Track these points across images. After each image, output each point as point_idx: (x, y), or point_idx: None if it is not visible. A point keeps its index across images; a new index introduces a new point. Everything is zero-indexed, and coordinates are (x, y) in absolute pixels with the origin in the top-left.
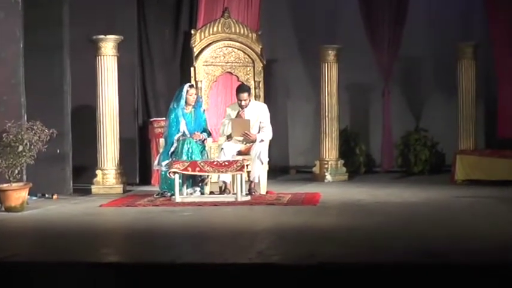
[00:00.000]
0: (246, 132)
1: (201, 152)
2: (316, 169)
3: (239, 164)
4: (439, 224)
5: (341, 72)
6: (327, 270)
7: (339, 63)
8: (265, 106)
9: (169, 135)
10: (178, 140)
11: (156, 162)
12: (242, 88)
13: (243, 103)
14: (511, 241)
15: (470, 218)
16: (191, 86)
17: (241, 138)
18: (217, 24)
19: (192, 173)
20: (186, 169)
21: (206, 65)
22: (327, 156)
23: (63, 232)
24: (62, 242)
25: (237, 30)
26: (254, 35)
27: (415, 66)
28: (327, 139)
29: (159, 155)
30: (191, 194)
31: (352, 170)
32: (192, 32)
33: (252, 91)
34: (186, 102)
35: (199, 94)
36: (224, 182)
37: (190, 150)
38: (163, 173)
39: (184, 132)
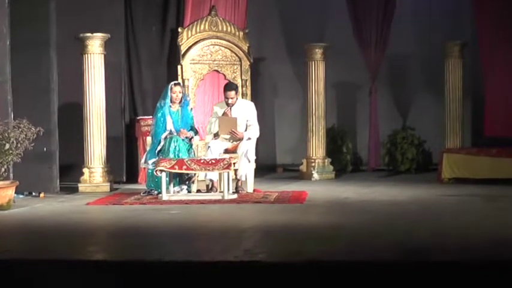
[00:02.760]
0: (233, 130)
1: (188, 150)
2: (303, 167)
3: (226, 162)
4: (424, 223)
5: (328, 70)
6: (313, 268)
7: (326, 61)
8: (252, 104)
9: (156, 134)
10: (165, 138)
11: (143, 160)
12: (229, 86)
13: (230, 101)
14: (495, 239)
15: (456, 216)
16: (176, 84)
17: (228, 137)
18: (204, 23)
19: (179, 171)
20: (172, 167)
21: (193, 63)
22: (314, 155)
23: (49, 230)
24: (49, 240)
25: (224, 29)
26: (241, 33)
27: (402, 65)
28: (314, 137)
29: (146, 153)
30: (178, 192)
31: (339, 169)
32: (179, 30)
33: (239, 89)
34: (171, 100)
35: (187, 92)
36: (211, 180)
37: (177, 149)
38: (150, 171)
39: (171, 130)
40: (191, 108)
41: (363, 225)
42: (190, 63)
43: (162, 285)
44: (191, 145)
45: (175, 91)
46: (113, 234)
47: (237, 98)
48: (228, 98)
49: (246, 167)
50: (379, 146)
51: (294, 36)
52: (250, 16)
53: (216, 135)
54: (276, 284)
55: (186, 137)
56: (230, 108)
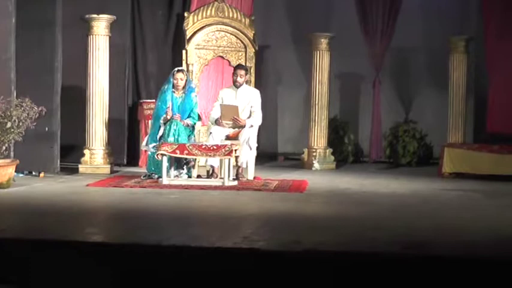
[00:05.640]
0: (235, 117)
1: (189, 136)
2: (304, 156)
3: (227, 149)
4: (424, 216)
5: (333, 60)
6: (311, 257)
7: (331, 51)
8: (257, 92)
9: (157, 117)
10: (164, 122)
11: (144, 142)
12: (241, 65)
13: (238, 78)
14: (495, 235)
15: (456, 210)
16: (178, 71)
17: (230, 123)
18: (211, 8)
19: (180, 156)
20: (174, 152)
21: (198, 49)
22: (316, 144)
23: (48, 210)
24: (47, 220)
25: (230, 15)
26: (247, 20)
27: (407, 58)
28: (316, 127)
29: (147, 135)
30: (176, 176)
31: (340, 159)
32: (185, 14)
33: None
34: (173, 86)
35: (191, 77)
36: (212, 166)
37: (176, 132)
38: (151, 154)
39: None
40: (195, 95)
41: (362, 216)
42: (195, 49)
43: (159, 269)
44: (192, 131)
45: (176, 78)
46: (112, 216)
47: (245, 80)
48: (237, 75)
49: (247, 154)
50: (381, 138)
51: (300, 25)
52: (256, 3)
53: (218, 121)
54: (274, 272)
55: (179, 121)
56: (236, 91)
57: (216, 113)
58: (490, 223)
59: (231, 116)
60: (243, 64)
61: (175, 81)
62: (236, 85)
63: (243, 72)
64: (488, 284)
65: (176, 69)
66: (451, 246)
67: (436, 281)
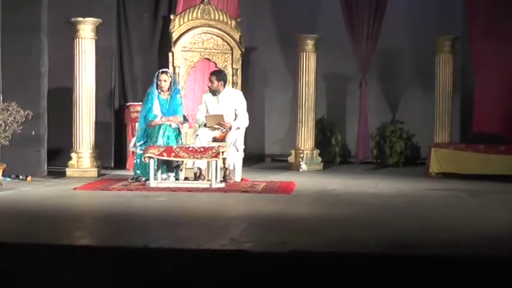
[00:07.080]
0: (221, 122)
1: (176, 138)
2: (291, 158)
3: (214, 151)
4: (411, 216)
5: (319, 62)
6: (298, 258)
7: (317, 52)
8: (240, 93)
9: (143, 119)
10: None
11: (131, 143)
12: (214, 71)
13: (210, 84)
14: (480, 235)
15: (443, 210)
16: (162, 72)
17: (217, 127)
18: (197, 10)
19: (167, 159)
20: (161, 154)
21: (184, 51)
22: (303, 146)
23: (36, 214)
24: (35, 224)
25: (216, 17)
26: (233, 22)
27: (393, 58)
28: (303, 128)
29: (134, 137)
30: (165, 179)
31: (328, 160)
32: (171, 17)
33: (230, 78)
34: (157, 87)
35: (177, 80)
36: (199, 169)
37: (166, 134)
38: (138, 155)
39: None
40: (180, 96)
41: (350, 217)
42: (182, 51)
43: (147, 271)
44: (179, 133)
45: (160, 79)
46: (99, 219)
47: (222, 86)
48: (209, 81)
49: (235, 156)
50: (368, 138)
51: (286, 26)
52: (242, 5)
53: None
54: (261, 274)
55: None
56: (218, 96)
57: (201, 115)
58: (476, 223)
59: (216, 122)
60: (220, 70)
61: (159, 82)
62: (210, 91)
63: (213, 78)
64: (474, 282)
65: (160, 70)
66: (438, 246)
67: (422, 281)
